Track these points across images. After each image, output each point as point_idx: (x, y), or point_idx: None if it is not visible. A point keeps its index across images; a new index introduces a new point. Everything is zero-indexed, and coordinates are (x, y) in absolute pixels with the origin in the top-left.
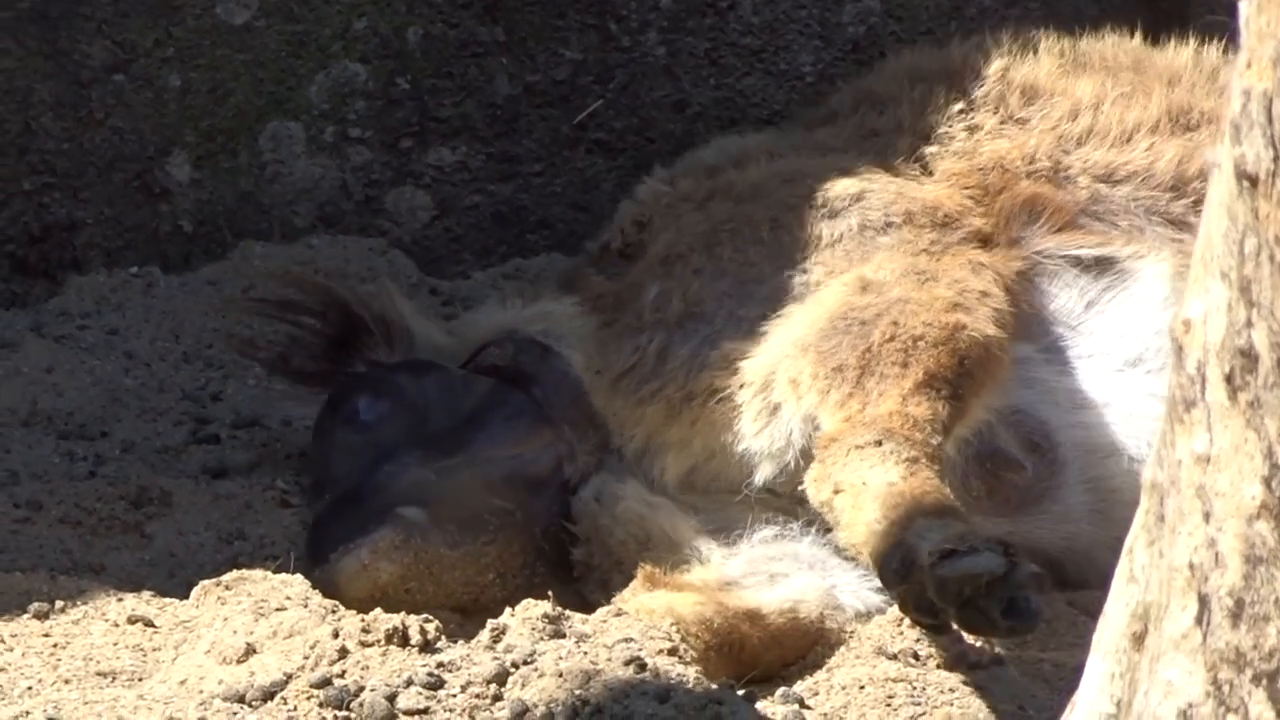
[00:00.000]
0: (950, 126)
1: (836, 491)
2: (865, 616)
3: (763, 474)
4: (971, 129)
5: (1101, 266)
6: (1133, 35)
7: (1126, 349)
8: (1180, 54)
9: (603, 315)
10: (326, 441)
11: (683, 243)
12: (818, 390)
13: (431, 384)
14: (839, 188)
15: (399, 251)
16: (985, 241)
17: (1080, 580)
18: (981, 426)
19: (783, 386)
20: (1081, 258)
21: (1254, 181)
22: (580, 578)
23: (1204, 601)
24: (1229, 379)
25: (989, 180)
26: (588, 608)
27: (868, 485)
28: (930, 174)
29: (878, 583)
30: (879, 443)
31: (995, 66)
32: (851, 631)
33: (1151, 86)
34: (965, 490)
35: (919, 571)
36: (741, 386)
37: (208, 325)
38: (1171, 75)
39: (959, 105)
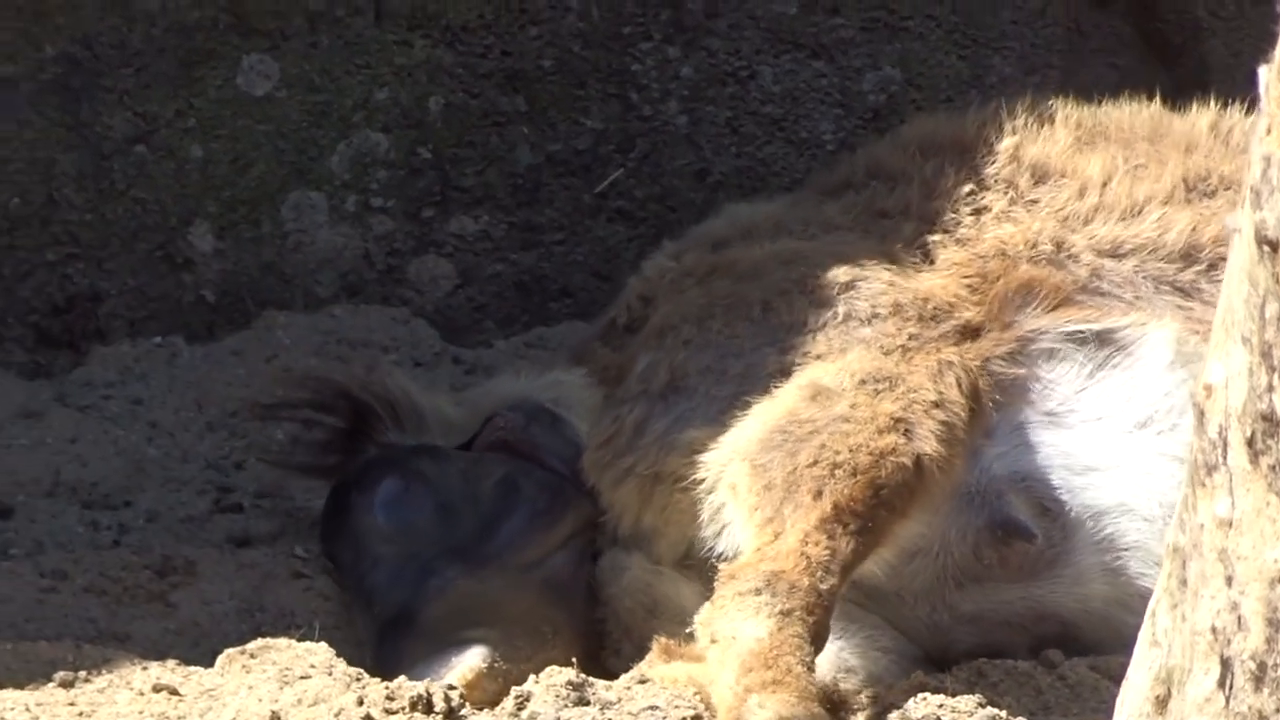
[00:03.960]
0: (957, 210)
1: (713, 641)
2: (879, 680)
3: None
4: (978, 211)
5: (1101, 339)
6: (1151, 101)
7: (1135, 412)
8: (1200, 119)
9: (607, 388)
10: (357, 539)
11: (677, 314)
12: (748, 507)
13: (451, 472)
14: (832, 274)
15: (422, 320)
16: (974, 333)
17: (1096, 641)
18: (990, 497)
19: (725, 490)
20: (1078, 333)
21: (1275, 246)
22: (603, 645)
23: (1227, 665)
24: (1250, 443)
25: (989, 268)
26: (612, 674)
27: (736, 640)
28: (931, 263)
29: (884, 643)
30: (758, 591)
31: (1008, 144)
32: (873, 697)
33: (1167, 156)
34: (977, 560)
35: None
36: (697, 482)
37: (231, 395)
38: (1189, 142)
39: (968, 186)
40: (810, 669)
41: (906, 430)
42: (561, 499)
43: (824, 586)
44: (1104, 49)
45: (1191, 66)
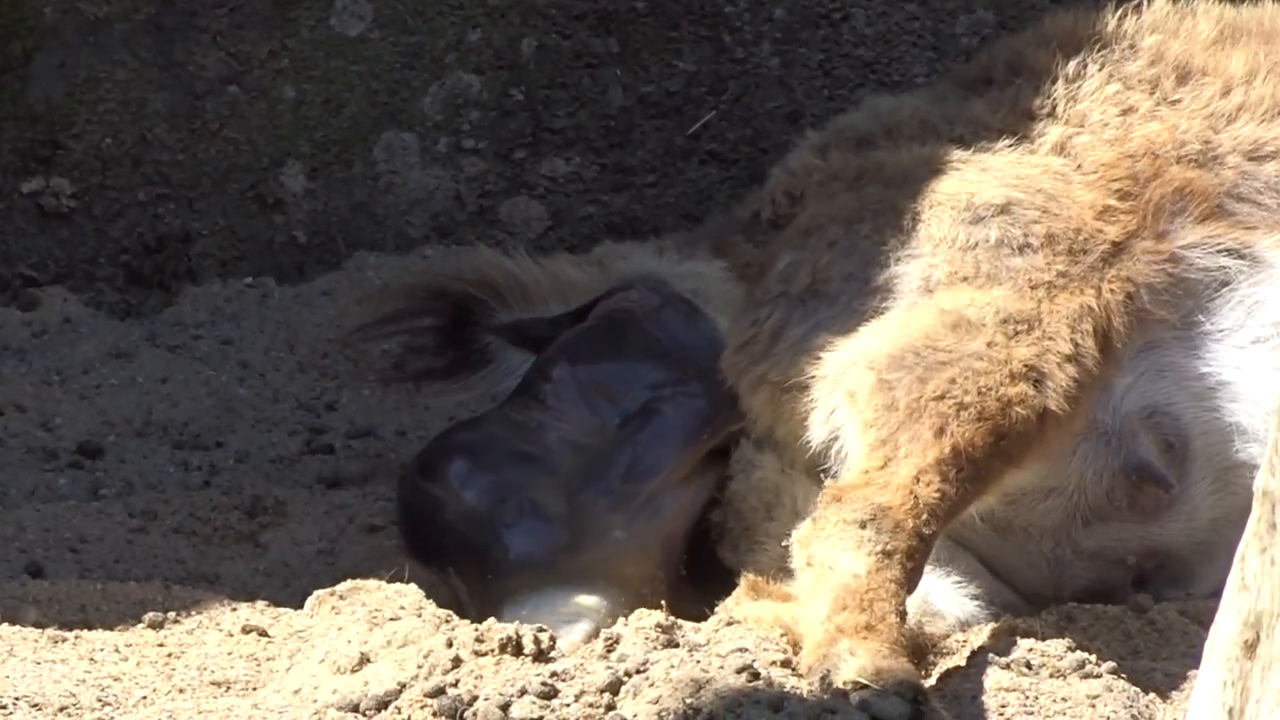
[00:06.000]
0: (1104, 111)
1: (808, 564)
2: (966, 624)
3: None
4: (1125, 112)
5: (1241, 258)
6: None
7: (1255, 327)
8: None
9: (749, 284)
10: (463, 530)
11: (825, 215)
12: (863, 421)
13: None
14: (988, 193)
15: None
16: (1120, 249)
17: (1193, 565)
18: (1126, 438)
19: (842, 395)
20: (1226, 251)
21: None
22: (716, 540)
23: None
24: None
25: (1138, 168)
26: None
27: (833, 571)
28: (1080, 167)
29: (973, 589)
30: (863, 524)
31: (1151, 41)
32: (962, 641)
33: None
34: (1109, 502)
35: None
36: (820, 379)
37: (322, 335)
38: None
39: (1114, 86)
40: (903, 618)
41: (1037, 381)
42: (702, 419)
43: (927, 531)
44: None
45: None
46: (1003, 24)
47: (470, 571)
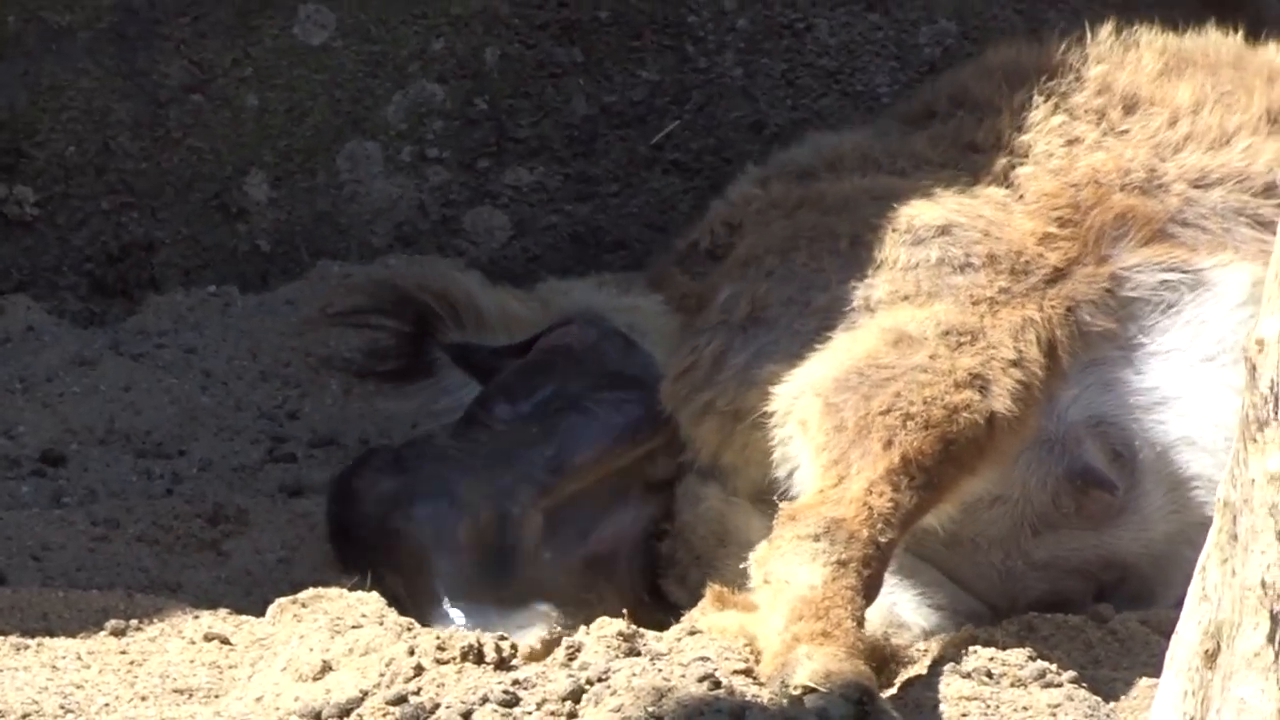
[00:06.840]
0: (1049, 142)
1: (765, 581)
2: (932, 634)
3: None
4: (1071, 143)
5: (1184, 275)
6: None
7: (1203, 346)
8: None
9: (685, 316)
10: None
11: (762, 245)
12: (815, 445)
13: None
14: (927, 216)
15: (476, 271)
16: (1063, 274)
17: (1152, 579)
18: (1070, 445)
19: (795, 425)
20: (1169, 273)
21: None
22: (662, 573)
23: (1276, 620)
24: None
25: (1081, 197)
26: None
27: (789, 585)
28: (1022, 197)
29: (938, 600)
30: (817, 538)
31: (1097, 72)
32: (924, 650)
33: (1252, 84)
34: (1056, 509)
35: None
36: (771, 414)
37: (285, 344)
38: (1272, 72)
39: (1059, 118)
40: (860, 624)
41: (982, 387)
42: (636, 422)
43: (883, 540)
44: (1160, 2)
45: (1247, 19)
46: (965, 34)
47: (396, 562)
